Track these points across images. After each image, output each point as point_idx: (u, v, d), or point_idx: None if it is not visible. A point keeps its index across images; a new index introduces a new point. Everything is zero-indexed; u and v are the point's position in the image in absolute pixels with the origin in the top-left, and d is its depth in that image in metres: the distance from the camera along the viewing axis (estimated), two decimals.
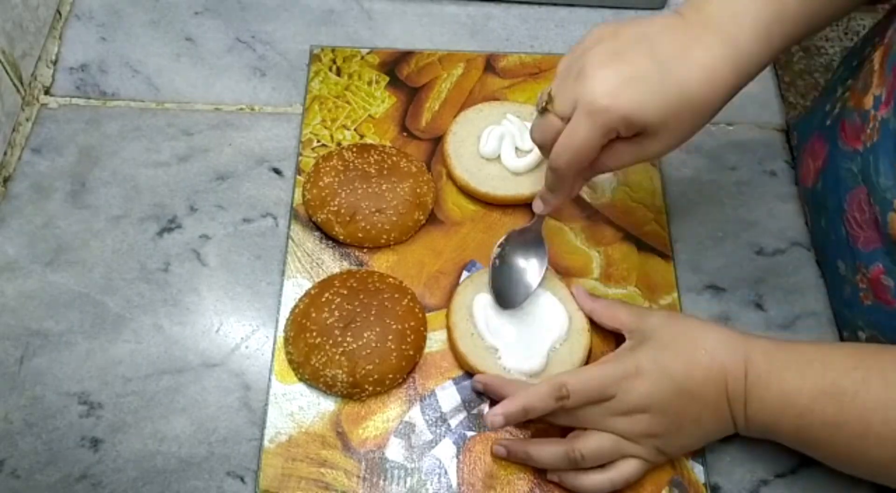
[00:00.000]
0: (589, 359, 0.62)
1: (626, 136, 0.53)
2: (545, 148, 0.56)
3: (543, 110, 0.55)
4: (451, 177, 0.69)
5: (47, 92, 0.73)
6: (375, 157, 0.68)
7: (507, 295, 0.62)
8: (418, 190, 0.67)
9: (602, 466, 0.56)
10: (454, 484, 0.58)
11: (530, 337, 0.61)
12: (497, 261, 0.63)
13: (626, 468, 0.56)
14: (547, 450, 0.57)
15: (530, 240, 0.64)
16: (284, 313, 0.63)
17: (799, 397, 0.53)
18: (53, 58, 0.75)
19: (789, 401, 0.53)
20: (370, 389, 0.59)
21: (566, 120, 0.53)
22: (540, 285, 0.63)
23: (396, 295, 0.62)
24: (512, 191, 0.68)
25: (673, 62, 0.51)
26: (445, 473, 0.58)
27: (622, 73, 0.51)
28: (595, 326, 0.63)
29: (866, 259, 0.59)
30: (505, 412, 0.55)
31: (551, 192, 0.59)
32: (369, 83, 0.75)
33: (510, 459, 0.58)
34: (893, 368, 0.52)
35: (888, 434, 0.51)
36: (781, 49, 0.54)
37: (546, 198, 0.60)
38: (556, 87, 0.54)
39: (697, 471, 0.59)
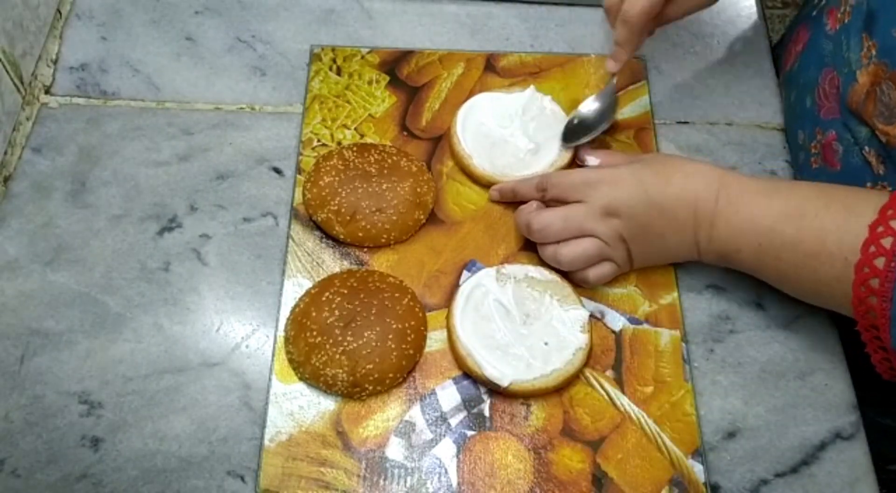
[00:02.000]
0: (587, 360, 0.62)
1: None
2: (613, 8, 0.65)
3: None
4: (460, 164, 0.70)
5: (48, 91, 0.73)
6: (376, 156, 0.68)
7: (569, 132, 0.70)
8: (418, 189, 0.67)
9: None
10: (454, 484, 0.58)
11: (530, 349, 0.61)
12: (574, 119, 0.70)
13: (601, 269, 0.63)
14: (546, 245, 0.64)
15: (603, 97, 0.71)
16: (285, 312, 0.63)
17: (764, 219, 0.58)
18: (54, 57, 0.75)
19: (755, 222, 0.58)
20: (370, 388, 0.59)
21: None
22: (560, 301, 0.63)
23: (397, 294, 0.62)
24: (526, 170, 0.69)
25: None
26: (445, 472, 0.58)
27: None
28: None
29: (824, 126, 0.66)
30: (500, 188, 0.68)
31: (622, 46, 0.66)
32: (369, 83, 0.75)
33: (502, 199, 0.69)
34: (856, 199, 0.56)
35: (838, 254, 0.55)
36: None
37: (617, 54, 0.67)
38: None
39: (697, 471, 0.59)
